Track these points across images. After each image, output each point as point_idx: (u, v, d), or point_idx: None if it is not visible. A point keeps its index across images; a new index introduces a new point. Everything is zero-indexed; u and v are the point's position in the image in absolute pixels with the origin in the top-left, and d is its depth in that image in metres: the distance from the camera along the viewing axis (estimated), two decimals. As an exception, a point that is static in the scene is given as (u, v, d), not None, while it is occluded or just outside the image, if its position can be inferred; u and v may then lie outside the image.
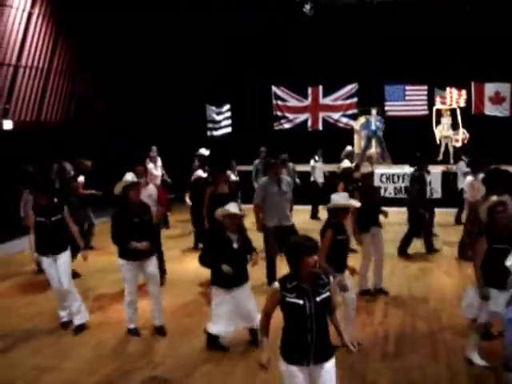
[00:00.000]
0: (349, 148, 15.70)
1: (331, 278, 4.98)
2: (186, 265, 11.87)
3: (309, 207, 16.60)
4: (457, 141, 19.21)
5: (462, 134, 19.19)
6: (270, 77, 19.77)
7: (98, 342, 7.99)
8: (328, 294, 4.84)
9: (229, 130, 20.89)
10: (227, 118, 20.88)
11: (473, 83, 19.07)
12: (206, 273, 10.90)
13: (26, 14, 16.13)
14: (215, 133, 21.02)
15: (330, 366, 4.88)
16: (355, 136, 20.06)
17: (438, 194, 16.12)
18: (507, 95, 19.10)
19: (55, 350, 7.76)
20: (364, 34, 18.49)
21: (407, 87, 19.52)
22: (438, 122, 19.48)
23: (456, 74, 18.39)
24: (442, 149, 19.32)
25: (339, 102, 20.04)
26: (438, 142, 19.37)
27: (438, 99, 19.40)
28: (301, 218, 15.28)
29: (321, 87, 20.13)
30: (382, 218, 10.04)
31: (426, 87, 19.38)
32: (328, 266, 6.84)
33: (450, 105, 19.33)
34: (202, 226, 10.95)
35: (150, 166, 15.83)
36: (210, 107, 21.02)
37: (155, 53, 19.52)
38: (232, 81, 19.36)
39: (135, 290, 8.14)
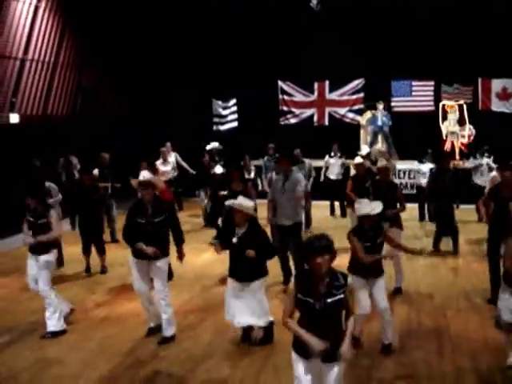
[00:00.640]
0: (365, 146, 15.33)
1: (349, 280, 4.90)
2: (193, 260, 11.86)
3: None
4: (463, 137, 19.13)
5: (469, 130, 19.11)
6: (276, 71, 19.71)
7: (103, 336, 8.00)
8: (341, 296, 4.71)
9: (235, 124, 20.87)
10: (233, 113, 20.86)
11: (480, 79, 18.98)
12: (213, 269, 11.03)
13: (32, 8, 16.12)
14: (221, 127, 21.01)
15: (337, 367, 4.78)
16: (361, 131, 20.01)
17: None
18: (514, 91, 19.05)
19: (60, 344, 7.77)
20: (371, 29, 18.42)
21: (414, 83, 19.44)
22: (445, 118, 19.40)
23: (463, 69, 18.31)
24: (448, 145, 19.25)
25: (345, 97, 19.98)
26: (445, 137, 19.30)
27: (444, 95, 19.33)
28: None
29: (327, 82, 20.07)
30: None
31: (432, 83, 19.31)
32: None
33: (457, 100, 19.26)
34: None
35: (158, 161, 15.83)
36: (216, 102, 21.00)
37: (162, 47, 19.52)
38: (238, 75, 19.31)
39: (144, 288, 7.92)
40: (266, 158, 16.61)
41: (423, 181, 15.06)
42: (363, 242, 7.11)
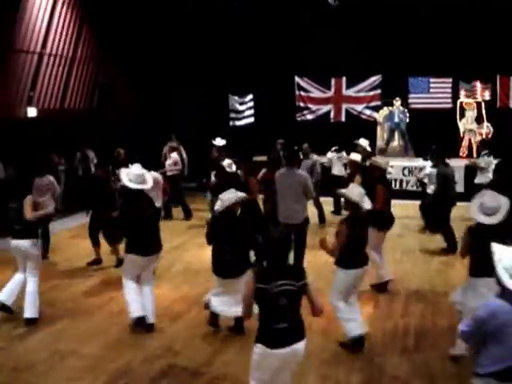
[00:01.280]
0: (363, 140, 14.99)
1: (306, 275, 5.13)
2: (204, 255, 11.88)
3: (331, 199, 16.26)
4: (481, 134, 19.02)
5: (486, 128, 19.00)
6: (293, 67, 19.68)
7: (119, 329, 8.04)
8: (302, 283, 5.00)
9: (251, 120, 20.89)
10: (250, 108, 20.87)
11: (498, 76, 18.82)
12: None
13: (50, 2, 16.22)
14: (238, 123, 21.03)
15: (300, 347, 5.04)
16: (378, 128, 19.94)
17: (460, 188, 15.93)
18: (533, 89, 18.87)
19: (76, 336, 7.83)
20: (388, 25, 18.31)
21: (432, 79, 19.31)
22: (462, 116, 19.29)
23: (481, 66, 18.17)
24: (466, 142, 19.14)
25: (362, 94, 19.91)
26: (462, 135, 19.20)
27: (462, 92, 19.21)
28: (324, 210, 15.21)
29: (344, 78, 19.99)
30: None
31: (450, 80, 19.17)
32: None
33: (475, 98, 19.14)
34: None
35: (174, 155, 15.94)
36: (232, 97, 21.02)
37: (179, 42, 19.55)
38: (255, 71, 19.30)
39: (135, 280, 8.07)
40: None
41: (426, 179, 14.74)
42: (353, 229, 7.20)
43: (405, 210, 14.81)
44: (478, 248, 6.34)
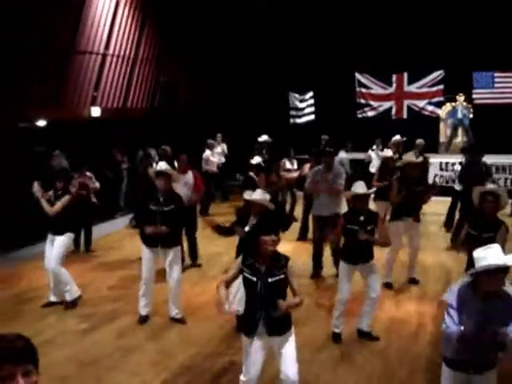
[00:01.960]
0: (397, 137, 14.84)
1: (289, 263, 5.29)
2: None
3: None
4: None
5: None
6: (353, 64, 19.51)
7: (181, 326, 8.12)
8: (282, 276, 5.20)
9: (312, 117, 20.80)
10: (310, 106, 20.79)
11: None
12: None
13: (113, 4, 16.47)
14: (298, 120, 20.99)
15: (286, 337, 5.34)
16: (441, 124, 19.59)
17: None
18: None
19: (140, 332, 7.95)
20: (451, 19, 17.92)
21: (496, 74, 18.80)
22: (529, 111, 18.75)
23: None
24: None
25: (425, 90, 19.55)
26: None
27: (528, 86, 18.69)
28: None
29: (406, 74, 19.68)
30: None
31: (515, 74, 18.67)
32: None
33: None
34: None
35: (207, 153, 16.09)
36: (293, 94, 20.99)
37: (239, 40, 19.60)
38: (315, 68, 19.21)
39: (150, 277, 8.28)
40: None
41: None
42: (352, 225, 7.29)
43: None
44: None
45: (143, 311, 8.35)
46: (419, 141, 15.11)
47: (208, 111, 19.68)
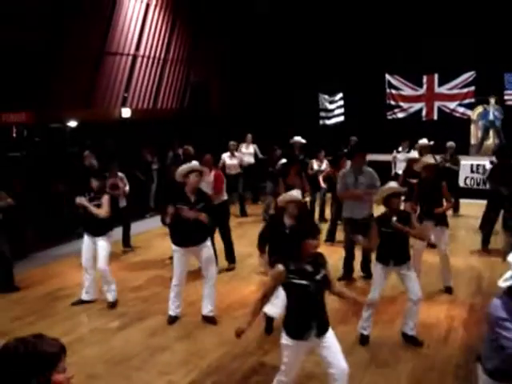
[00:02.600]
0: (424, 141, 14.62)
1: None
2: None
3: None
4: None
5: None
6: (383, 65, 19.40)
7: (210, 326, 8.15)
8: (325, 272, 5.33)
9: (341, 118, 20.75)
10: (340, 107, 20.73)
11: None
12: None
13: (143, 6, 16.61)
14: (328, 122, 20.95)
15: (330, 334, 5.35)
16: (472, 126, 19.38)
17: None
18: None
19: (169, 332, 8.00)
20: (482, 19, 17.72)
21: (528, 75, 18.59)
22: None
23: None
24: None
25: (455, 91, 19.35)
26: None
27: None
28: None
29: (436, 75, 19.50)
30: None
31: (549, 75, 18.40)
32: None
33: None
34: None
35: (223, 156, 16.10)
36: (322, 96, 20.95)
37: (270, 41, 19.63)
38: (345, 69, 19.16)
39: (182, 278, 8.30)
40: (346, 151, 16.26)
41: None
42: (387, 228, 7.21)
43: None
44: None
45: (173, 312, 8.38)
46: (450, 143, 15.01)
47: (238, 112, 19.73)
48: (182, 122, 18.10)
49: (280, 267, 5.23)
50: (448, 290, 9.50)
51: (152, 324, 8.28)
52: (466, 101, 19.23)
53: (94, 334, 7.94)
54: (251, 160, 17.37)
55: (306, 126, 18.66)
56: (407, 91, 19.86)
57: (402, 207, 10.98)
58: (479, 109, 19.26)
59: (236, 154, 16.25)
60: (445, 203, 9.68)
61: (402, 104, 19.92)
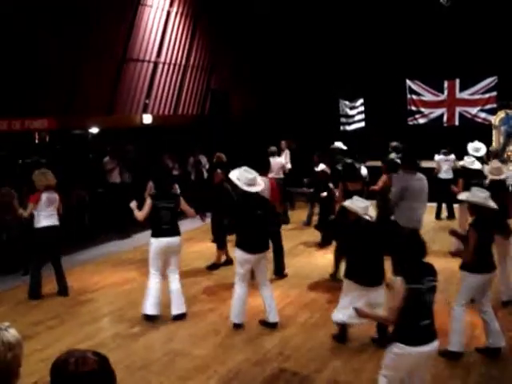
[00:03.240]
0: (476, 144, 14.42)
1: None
2: (314, 260, 11.88)
3: (434, 204, 15.52)
4: None
5: None
6: (404, 70, 19.31)
7: (230, 331, 8.13)
8: (436, 283, 5.35)
9: (362, 124, 20.66)
10: (360, 113, 20.65)
11: None
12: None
13: (164, 13, 16.71)
14: (348, 127, 20.88)
15: (436, 344, 5.32)
16: (494, 132, 19.18)
17: None
18: None
19: (189, 337, 8.01)
20: (503, 24, 17.59)
21: (551, 80, 18.39)
22: None
23: None
24: None
25: (477, 96, 19.19)
26: None
27: None
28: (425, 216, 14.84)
29: (458, 81, 19.35)
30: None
31: None
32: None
33: None
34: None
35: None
36: (343, 101, 20.90)
37: (290, 47, 19.65)
38: (366, 75, 19.11)
39: (245, 284, 8.24)
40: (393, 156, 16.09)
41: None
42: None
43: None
44: None
45: (238, 319, 8.24)
46: (493, 147, 14.92)
47: (259, 119, 19.76)
48: (203, 129, 18.16)
49: (399, 280, 5.22)
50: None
51: (172, 329, 8.29)
52: (488, 106, 19.07)
53: (114, 339, 7.97)
54: (288, 166, 17.29)
55: (327, 132, 18.63)
56: (428, 97, 19.74)
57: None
58: (501, 114, 19.06)
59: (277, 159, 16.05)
60: None
61: (422, 110, 19.79)
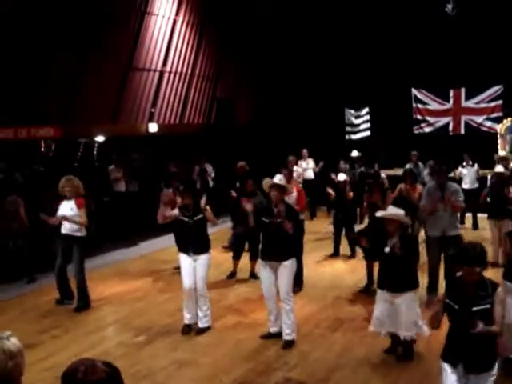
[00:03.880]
0: (503, 153, 14.48)
1: (498, 290, 4.84)
2: (326, 270, 11.81)
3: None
4: None
5: None
6: (409, 79, 19.31)
7: (236, 341, 8.09)
8: (487, 306, 4.73)
9: (367, 133, 20.67)
10: (366, 122, 20.67)
11: None
12: (345, 279, 10.95)
13: (170, 22, 16.77)
14: (353, 136, 20.89)
15: (485, 377, 4.80)
16: (499, 140, 19.16)
17: None
18: None
19: (194, 346, 7.97)
20: (509, 33, 17.57)
21: (557, 88, 18.36)
22: None
23: None
24: None
25: (483, 105, 19.18)
26: None
27: None
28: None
29: (463, 89, 19.36)
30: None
31: None
32: None
33: None
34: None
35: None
36: (348, 110, 20.92)
37: (294, 57, 19.68)
38: (371, 84, 19.12)
39: (270, 292, 8.00)
40: (408, 166, 15.97)
41: None
42: None
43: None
44: None
45: (273, 329, 8.12)
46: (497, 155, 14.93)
47: (264, 127, 19.77)
48: (209, 137, 18.18)
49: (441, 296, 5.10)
50: None
51: (177, 338, 8.26)
52: (494, 115, 19.05)
53: (119, 348, 7.95)
54: (311, 175, 17.26)
55: (332, 141, 18.64)
56: (434, 105, 19.73)
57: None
58: (507, 123, 19.05)
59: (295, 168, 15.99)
60: None
61: (428, 118, 19.79)
